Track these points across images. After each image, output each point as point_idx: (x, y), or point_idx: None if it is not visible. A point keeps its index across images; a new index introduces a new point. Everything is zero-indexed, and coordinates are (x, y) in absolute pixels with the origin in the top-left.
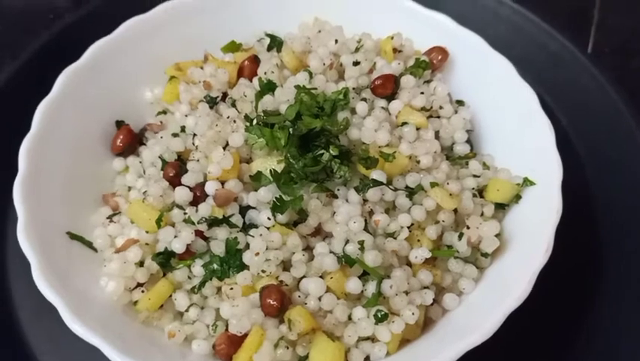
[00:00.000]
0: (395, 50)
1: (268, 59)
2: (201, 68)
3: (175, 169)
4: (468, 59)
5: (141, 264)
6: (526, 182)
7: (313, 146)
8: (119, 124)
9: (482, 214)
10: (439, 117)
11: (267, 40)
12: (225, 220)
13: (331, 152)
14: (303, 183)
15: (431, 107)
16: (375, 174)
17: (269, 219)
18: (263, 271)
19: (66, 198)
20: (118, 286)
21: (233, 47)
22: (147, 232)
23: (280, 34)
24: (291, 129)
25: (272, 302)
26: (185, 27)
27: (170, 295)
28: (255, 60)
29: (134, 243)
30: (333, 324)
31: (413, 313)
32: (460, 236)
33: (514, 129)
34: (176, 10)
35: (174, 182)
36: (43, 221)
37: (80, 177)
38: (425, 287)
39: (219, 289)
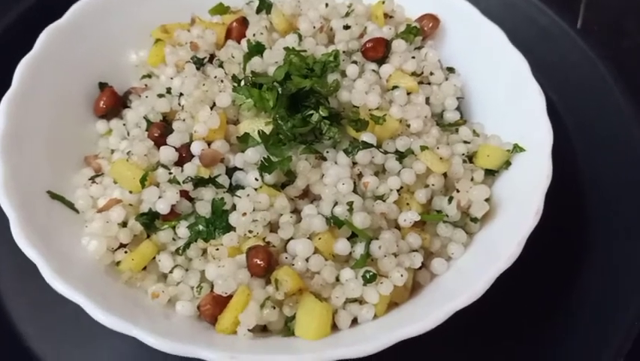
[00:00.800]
0: (386, 16)
1: (257, 21)
2: (188, 30)
3: (160, 129)
4: (459, 27)
5: (124, 225)
6: (516, 148)
7: (302, 107)
8: (102, 86)
9: (472, 180)
10: (429, 84)
11: (256, 3)
12: (211, 180)
13: (321, 113)
14: (291, 145)
15: (422, 73)
16: (365, 137)
17: (256, 180)
18: (250, 232)
19: (47, 158)
20: (100, 246)
21: (221, 10)
22: (131, 192)
23: None
24: (279, 90)
25: (259, 262)
26: None
27: (154, 257)
28: (244, 22)
29: (116, 203)
30: (321, 285)
31: (402, 275)
32: (450, 200)
33: (505, 96)
34: None
35: (159, 142)
36: (24, 179)
37: (61, 137)
38: (414, 250)
39: (204, 250)
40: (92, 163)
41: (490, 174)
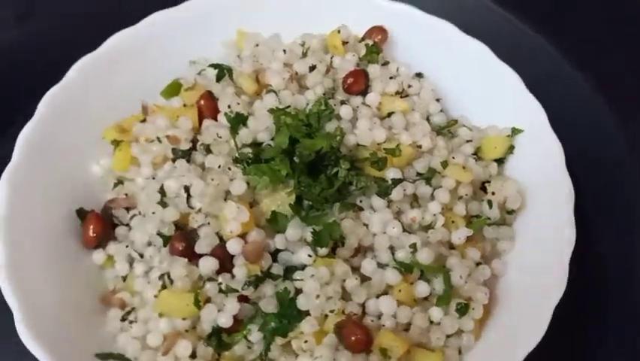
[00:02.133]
0: (343, 43)
1: (221, 90)
2: (142, 121)
3: (183, 241)
4: (406, 32)
5: (193, 355)
6: (515, 131)
7: (322, 167)
8: (82, 213)
9: (490, 175)
10: (407, 96)
11: (210, 71)
12: (268, 275)
13: (343, 166)
14: (325, 207)
15: (403, 90)
16: (392, 173)
17: (310, 256)
18: (331, 311)
19: (63, 319)
20: None
21: (176, 89)
22: (184, 318)
23: (210, 60)
24: (296, 158)
25: (359, 338)
26: (108, 81)
27: None
28: (211, 96)
29: (177, 337)
30: (419, 334)
31: (485, 294)
32: (490, 203)
33: (479, 85)
34: (92, 67)
35: (185, 255)
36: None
37: (60, 286)
38: (478, 263)
39: (284, 346)
40: (113, 300)
41: (499, 162)
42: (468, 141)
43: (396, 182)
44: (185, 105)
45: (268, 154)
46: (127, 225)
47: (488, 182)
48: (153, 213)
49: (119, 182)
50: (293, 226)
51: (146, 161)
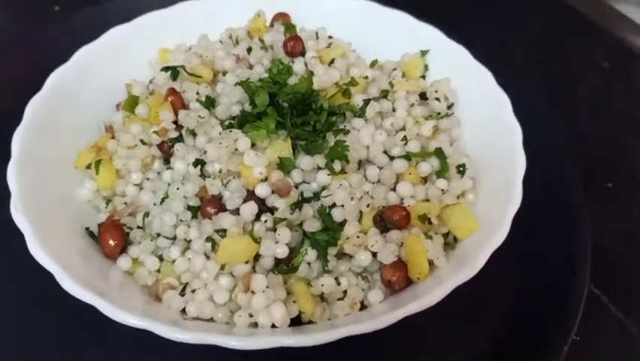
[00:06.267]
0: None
1: (179, 86)
2: (112, 137)
3: (214, 204)
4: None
5: None
6: (423, 52)
7: (307, 106)
8: (91, 232)
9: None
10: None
11: (162, 75)
12: (305, 200)
13: (324, 99)
14: (320, 138)
15: (330, 44)
16: (359, 97)
17: (328, 175)
18: (367, 206)
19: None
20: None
21: (133, 102)
22: (246, 262)
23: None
24: (283, 102)
25: (402, 213)
26: (64, 111)
27: None
28: (175, 91)
29: (250, 274)
30: None
31: (468, 157)
32: (438, 99)
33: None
34: (45, 101)
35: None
36: None
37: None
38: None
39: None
40: (163, 287)
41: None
42: (394, 70)
43: (367, 102)
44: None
45: (256, 112)
46: (139, 227)
47: (424, 93)
48: (177, 189)
49: (108, 200)
50: (303, 159)
51: (135, 166)
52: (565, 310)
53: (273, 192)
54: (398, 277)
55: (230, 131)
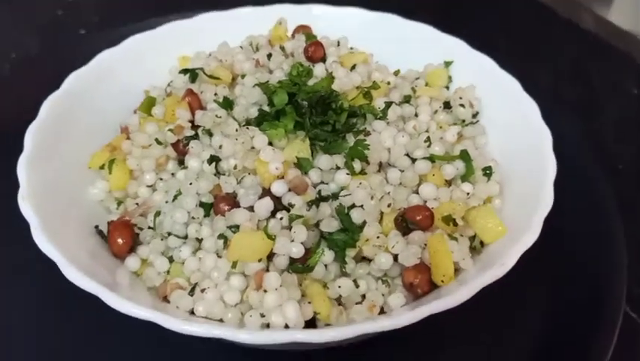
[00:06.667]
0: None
1: (197, 88)
2: (128, 138)
3: (227, 201)
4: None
5: None
6: (447, 63)
7: (326, 105)
8: (100, 230)
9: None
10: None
11: (181, 77)
12: (323, 198)
13: (344, 100)
14: (344, 137)
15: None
16: (380, 100)
17: (347, 174)
18: (388, 206)
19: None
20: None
21: (150, 103)
22: (259, 260)
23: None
24: (302, 101)
25: (425, 213)
26: (80, 112)
27: None
28: (192, 92)
29: (263, 272)
30: None
31: (495, 161)
32: (463, 105)
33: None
34: (60, 101)
35: None
36: None
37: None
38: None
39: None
40: (171, 287)
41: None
42: (417, 79)
43: (388, 104)
44: (173, 114)
45: (274, 111)
46: (150, 228)
47: (447, 102)
48: (190, 184)
49: (120, 201)
50: (321, 158)
51: (149, 166)
52: (599, 332)
53: (289, 190)
54: (421, 280)
55: (248, 128)
